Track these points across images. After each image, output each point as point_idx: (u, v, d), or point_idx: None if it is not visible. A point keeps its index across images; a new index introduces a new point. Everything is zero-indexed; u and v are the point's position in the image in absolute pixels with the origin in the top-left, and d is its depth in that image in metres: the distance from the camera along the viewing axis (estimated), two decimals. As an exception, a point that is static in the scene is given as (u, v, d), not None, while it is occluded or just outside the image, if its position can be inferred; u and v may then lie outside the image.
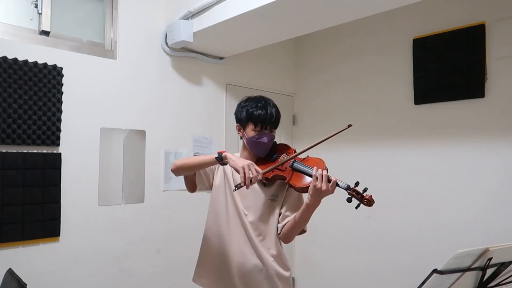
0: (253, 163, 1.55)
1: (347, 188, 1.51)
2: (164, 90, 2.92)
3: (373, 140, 3.20)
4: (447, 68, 2.75)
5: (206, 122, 3.17)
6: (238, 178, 1.70)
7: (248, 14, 2.34)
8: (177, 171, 1.71)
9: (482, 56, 2.59)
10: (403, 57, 3.03)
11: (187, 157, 1.78)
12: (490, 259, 1.11)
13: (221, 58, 3.28)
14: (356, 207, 1.50)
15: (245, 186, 1.51)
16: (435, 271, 1.06)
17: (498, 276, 1.20)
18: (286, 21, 2.48)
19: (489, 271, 1.17)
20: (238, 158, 1.58)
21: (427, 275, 1.07)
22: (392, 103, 3.10)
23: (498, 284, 1.23)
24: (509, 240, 1.29)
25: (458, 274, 1.10)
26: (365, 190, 1.50)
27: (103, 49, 2.69)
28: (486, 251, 1.08)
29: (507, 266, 1.19)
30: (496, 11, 2.58)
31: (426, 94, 2.88)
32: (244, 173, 1.50)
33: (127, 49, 2.74)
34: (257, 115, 1.66)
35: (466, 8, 2.71)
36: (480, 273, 1.15)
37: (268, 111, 1.67)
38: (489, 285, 1.20)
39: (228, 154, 1.59)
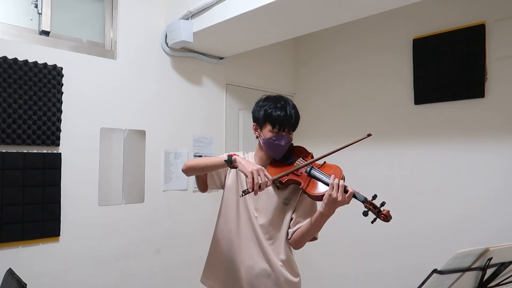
0: (263, 168, 1.49)
1: (364, 201, 1.46)
2: (164, 90, 2.92)
3: (373, 140, 3.18)
4: (447, 68, 2.75)
5: (206, 122, 3.17)
6: None
7: (248, 14, 2.34)
8: (187, 171, 1.68)
9: (482, 56, 2.59)
10: (403, 57, 3.03)
11: (198, 158, 1.75)
12: (490, 259, 1.11)
13: (221, 58, 3.28)
14: (372, 222, 1.45)
15: (252, 192, 1.45)
16: (435, 271, 1.06)
17: (498, 276, 1.20)
18: (286, 21, 2.48)
19: (489, 271, 1.17)
20: (247, 162, 1.51)
21: (427, 275, 1.07)
22: (392, 103, 3.10)
23: (498, 284, 1.23)
24: (509, 240, 1.29)
25: (458, 274, 1.10)
26: (382, 204, 1.45)
27: (103, 49, 2.69)
28: (486, 251, 1.08)
29: (507, 266, 1.18)
30: (496, 11, 2.58)
31: (426, 94, 2.88)
32: (253, 178, 1.43)
33: (127, 49, 2.74)
34: (275, 116, 1.59)
35: (466, 8, 2.71)
36: (480, 273, 1.15)
37: (288, 112, 1.60)
38: (489, 285, 1.20)
39: (238, 158, 1.53)
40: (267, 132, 1.62)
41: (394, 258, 3.00)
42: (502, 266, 1.18)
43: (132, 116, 2.74)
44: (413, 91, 2.95)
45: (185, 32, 2.64)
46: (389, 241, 3.05)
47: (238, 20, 2.44)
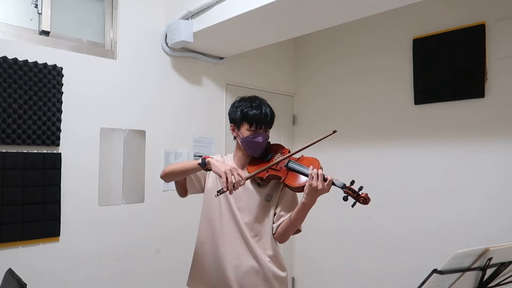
0: (236, 167, 1.53)
1: (343, 187, 1.52)
2: (164, 90, 2.92)
3: (373, 140, 3.20)
4: (447, 68, 2.75)
5: (206, 122, 3.17)
6: None
7: (248, 14, 2.34)
8: (165, 177, 1.72)
9: (482, 56, 2.59)
10: (403, 57, 3.03)
11: (174, 163, 1.77)
12: (490, 259, 1.11)
13: (221, 58, 3.28)
14: (352, 205, 1.51)
15: (227, 191, 1.49)
16: (435, 271, 1.06)
17: (498, 276, 1.20)
18: (286, 21, 2.48)
19: (489, 271, 1.17)
20: (220, 163, 1.56)
21: (427, 275, 1.07)
22: (392, 103, 3.10)
23: (498, 284, 1.23)
24: (509, 240, 1.29)
25: (458, 274, 1.10)
26: (360, 188, 1.51)
27: (103, 49, 2.69)
28: (486, 251, 1.08)
29: (507, 266, 1.19)
30: (496, 11, 2.58)
31: (426, 94, 2.88)
32: (227, 178, 1.48)
33: (127, 49, 2.74)
34: (252, 114, 1.65)
35: (466, 8, 2.71)
36: (480, 273, 1.15)
37: (263, 111, 1.67)
38: (489, 285, 1.20)
39: (211, 160, 1.58)
40: (245, 131, 1.68)
41: (394, 258, 3.00)
42: (502, 266, 1.18)
43: (132, 116, 2.74)
44: (413, 91, 2.95)
45: (185, 32, 2.64)
46: (389, 241, 3.05)
47: (238, 20, 2.44)
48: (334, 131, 1.61)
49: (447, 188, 2.76)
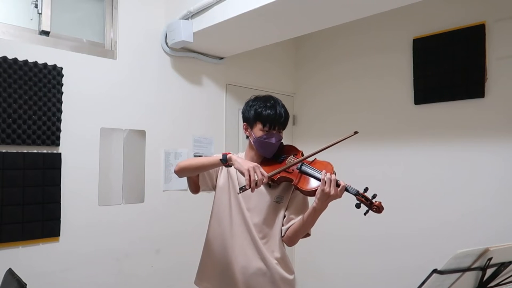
0: (259, 165, 1.51)
1: (356, 194, 1.48)
2: (164, 90, 2.92)
3: (373, 140, 3.20)
4: (447, 68, 2.75)
5: (206, 122, 3.17)
6: (243, 179, 1.68)
7: (248, 14, 2.34)
8: (180, 172, 1.67)
9: (482, 56, 2.59)
10: (403, 57, 3.03)
11: (190, 158, 1.74)
12: (490, 259, 1.11)
13: (221, 58, 3.28)
14: (365, 214, 1.48)
15: (250, 189, 1.48)
16: (435, 271, 1.06)
17: (498, 276, 1.20)
18: (286, 21, 2.48)
19: (489, 271, 1.17)
20: (243, 160, 1.54)
21: (427, 275, 1.07)
22: (392, 103, 3.10)
23: (498, 284, 1.23)
24: (509, 240, 1.29)
25: (458, 274, 1.10)
26: (374, 196, 1.48)
27: (103, 49, 2.69)
28: (486, 251, 1.08)
29: (507, 266, 1.19)
30: (496, 11, 2.58)
31: (426, 94, 2.88)
32: (250, 175, 1.46)
33: (127, 49, 2.74)
34: (266, 115, 1.63)
35: (466, 8, 2.71)
36: (480, 273, 1.15)
37: (277, 111, 1.64)
38: (489, 285, 1.20)
39: (233, 156, 1.56)
40: (258, 131, 1.66)
41: (394, 258, 3.00)
42: (502, 266, 1.18)
43: (132, 116, 2.74)
44: (413, 91, 2.95)
45: (185, 32, 2.64)
46: (389, 241, 3.05)
47: (238, 20, 2.44)
48: (356, 132, 1.58)
49: (447, 188, 2.76)
